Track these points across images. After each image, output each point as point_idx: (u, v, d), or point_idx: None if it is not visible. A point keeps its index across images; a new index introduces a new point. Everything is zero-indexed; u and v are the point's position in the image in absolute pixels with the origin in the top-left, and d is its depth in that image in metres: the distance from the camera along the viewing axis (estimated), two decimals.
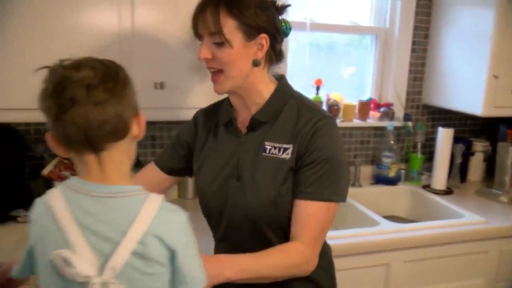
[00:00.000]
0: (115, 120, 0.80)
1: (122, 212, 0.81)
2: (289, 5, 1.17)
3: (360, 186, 2.21)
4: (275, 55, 1.14)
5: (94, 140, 0.80)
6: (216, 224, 1.20)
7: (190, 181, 1.96)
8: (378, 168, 2.27)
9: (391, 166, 2.23)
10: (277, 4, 1.12)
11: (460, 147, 2.26)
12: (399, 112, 2.31)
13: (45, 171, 1.68)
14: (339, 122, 2.14)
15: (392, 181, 2.24)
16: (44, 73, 0.82)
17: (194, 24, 1.10)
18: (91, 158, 0.82)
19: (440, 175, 2.18)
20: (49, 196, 0.84)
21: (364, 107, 2.24)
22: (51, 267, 0.80)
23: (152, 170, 1.32)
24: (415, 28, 2.25)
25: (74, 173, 1.72)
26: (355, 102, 2.23)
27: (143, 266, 0.79)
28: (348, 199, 1.29)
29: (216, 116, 1.24)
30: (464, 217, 1.86)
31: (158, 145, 1.98)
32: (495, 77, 1.91)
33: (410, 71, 2.30)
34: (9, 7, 1.39)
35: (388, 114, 2.26)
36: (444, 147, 2.16)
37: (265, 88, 1.14)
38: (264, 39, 1.09)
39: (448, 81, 2.18)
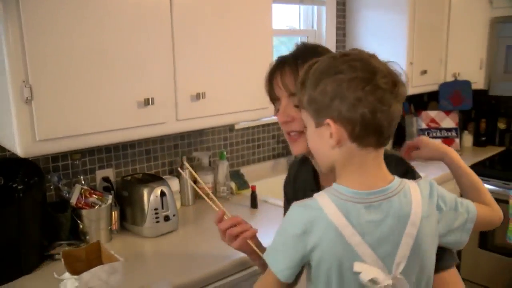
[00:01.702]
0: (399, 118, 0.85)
1: (397, 209, 0.81)
2: None
3: None
4: None
5: (388, 136, 0.82)
6: None
7: (190, 188, 2.02)
8: None
9: None
10: None
11: None
12: None
13: (73, 201, 1.59)
14: None
15: None
16: None
17: (270, 88, 1.05)
18: (372, 153, 0.82)
19: None
20: (322, 207, 0.81)
21: None
22: (339, 275, 0.81)
23: None
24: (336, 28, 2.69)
25: (99, 198, 1.67)
26: None
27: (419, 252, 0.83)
28: None
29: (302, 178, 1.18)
30: None
31: None
32: (411, 63, 2.47)
33: None
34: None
35: None
36: None
37: None
38: None
39: None
